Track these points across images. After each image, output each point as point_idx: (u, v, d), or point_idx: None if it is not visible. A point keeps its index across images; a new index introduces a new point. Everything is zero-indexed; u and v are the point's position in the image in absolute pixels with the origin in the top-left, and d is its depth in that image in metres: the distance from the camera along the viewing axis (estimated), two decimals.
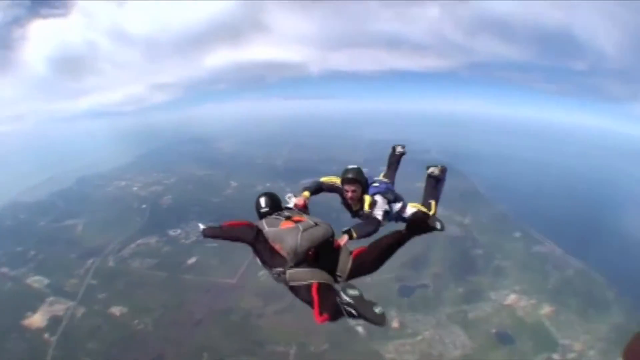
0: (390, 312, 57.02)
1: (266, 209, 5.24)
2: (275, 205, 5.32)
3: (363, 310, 3.86)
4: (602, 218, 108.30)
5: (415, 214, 5.84)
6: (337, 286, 4.53)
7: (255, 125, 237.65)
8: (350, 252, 4.95)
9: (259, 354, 50.03)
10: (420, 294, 62.32)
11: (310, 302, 4.33)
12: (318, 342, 51.42)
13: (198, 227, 5.50)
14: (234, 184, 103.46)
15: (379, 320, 3.90)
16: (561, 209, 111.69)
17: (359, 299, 3.91)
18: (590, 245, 79.87)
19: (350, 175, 5.68)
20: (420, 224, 5.37)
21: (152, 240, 73.00)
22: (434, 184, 6.52)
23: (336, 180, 6.01)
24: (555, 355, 54.77)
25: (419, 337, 54.05)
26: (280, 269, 4.53)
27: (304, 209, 5.61)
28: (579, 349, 56.46)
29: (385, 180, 6.38)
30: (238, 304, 57.11)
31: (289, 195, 5.83)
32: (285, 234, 4.58)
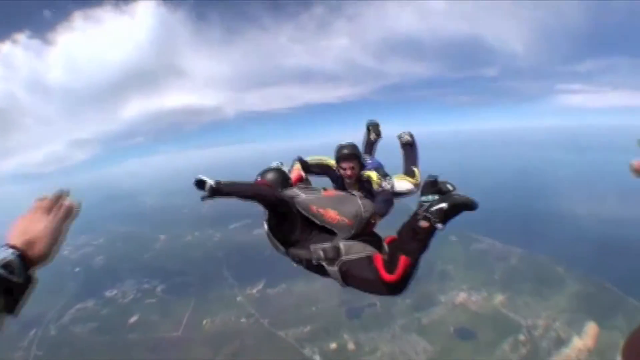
0: (343, 336, 56.56)
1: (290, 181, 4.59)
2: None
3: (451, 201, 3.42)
4: (534, 205, 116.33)
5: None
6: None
7: (177, 176, 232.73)
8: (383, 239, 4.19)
9: None
10: (370, 313, 61.45)
11: (370, 275, 3.71)
12: None
13: (204, 182, 3.92)
14: (162, 237, 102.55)
15: (468, 200, 3.52)
16: (492, 206, 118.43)
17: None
18: (529, 232, 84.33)
19: (346, 151, 5.20)
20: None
21: (90, 303, 70.02)
22: (410, 150, 6.35)
23: (323, 159, 5.56)
24: (521, 336, 55.58)
25: (378, 353, 53.28)
26: (327, 244, 3.83)
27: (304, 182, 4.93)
28: (543, 324, 57.52)
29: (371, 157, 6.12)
30: (187, 356, 55.43)
31: (276, 163, 4.91)
32: (342, 199, 4.06)
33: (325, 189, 4.52)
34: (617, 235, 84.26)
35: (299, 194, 4.10)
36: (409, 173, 5.93)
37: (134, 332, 61.76)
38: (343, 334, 56.85)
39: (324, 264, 3.85)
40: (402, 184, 5.64)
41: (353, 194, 4.25)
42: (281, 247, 4.21)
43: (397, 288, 3.81)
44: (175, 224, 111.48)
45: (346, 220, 3.87)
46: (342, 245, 3.79)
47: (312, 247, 3.86)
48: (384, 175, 5.53)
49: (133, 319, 64.87)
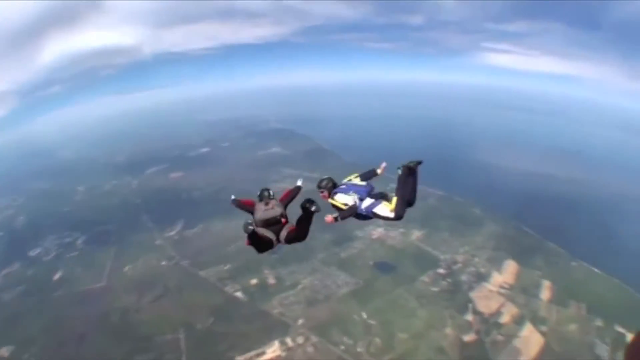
0: (264, 271, 57.13)
1: (265, 196, 7.89)
2: (269, 195, 7.95)
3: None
4: (456, 154, 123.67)
5: (301, 203, 7.30)
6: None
7: (96, 126, 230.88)
8: (288, 228, 7.80)
9: (151, 348, 47.83)
10: (289, 248, 62.37)
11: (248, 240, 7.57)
12: (203, 319, 50.60)
13: (230, 198, 8.46)
14: (80, 189, 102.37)
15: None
16: (412, 152, 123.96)
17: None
18: (449, 177, 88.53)
19: (318, 185, 8.16)
20: (304, 208, 7.23)
21: (16, 266, 67.28)
22: (400, 183, 7.51)
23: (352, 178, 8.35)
24: (440, 270, 58.88)
25: (300, 286, 54.36)
26: (249, 224, 7.08)
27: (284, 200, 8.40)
28: (462, 260, 61.16)
29: (362, 184, 8.01)
30: (113, 305, 54.42)
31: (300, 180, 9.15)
32: (257, 210, 7.79)
33: (267, 204, 7.83)
34: (535, 188, 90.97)
35: (255, 206, 7.93)
36: (388, 199, 7.58)
37: (59, 290, 59.87)
38: (263, 269, 57.46)
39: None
40: (383, 210, 7.48)
41: (269, 206, 7.78)
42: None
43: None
44: (94, 175, 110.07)
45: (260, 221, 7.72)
46: (257, 228, 7.56)
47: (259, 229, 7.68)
48: (360, 197, 7.56)
49: (57, 276, 63.28)
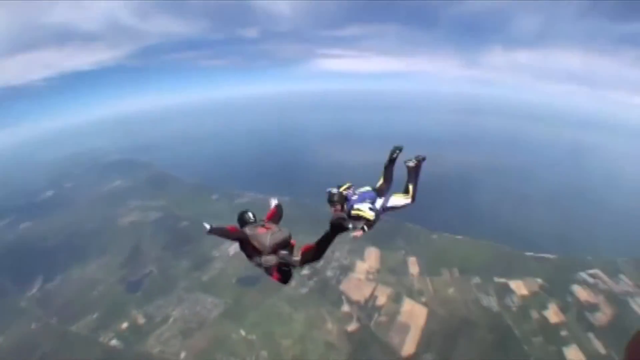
0: (131, 311, 56.61)
1: (251, 220, 7.44)
2: (254, 218, 7.51)
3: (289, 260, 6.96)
4: (294, 160, 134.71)
5: (332, 220, 6.80)
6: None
7: None
8: (300, 249, 7.16)
9: None
10: (150, 282, 63.17)
11: (271, 273, 6.98)
12: None
13: (204, 226, 6.48)
14: None
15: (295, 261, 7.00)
16: (255, 163, 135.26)
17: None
18: (292, 182, 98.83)
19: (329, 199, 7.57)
20: (337, 226, 6.64)
21: None
22: (412, 173, 7.76)
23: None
24: (304, 272, 61.04)
25: (171, 320, 54.62)
26: (258, 259, 6.84)
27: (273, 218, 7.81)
28: (323, 257, 62.36)
29: (367, 188, 7.86)
30: None
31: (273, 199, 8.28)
32: (261, 236, 6.89)
33: (262, 226, 7.16)
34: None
35: (248, 231, 6.96)
36: (405, 191, 7.80)
37: None
38: (130, 310, 56.95)
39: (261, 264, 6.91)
40: (397, 200, 7.75)
41: (268, 232, 7.00)
42: (248, 258, 7.06)
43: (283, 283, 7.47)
44: None
45: (261, 248, 6.83)
46: (263, 258, 6.84)
47: (254, 259, 6.91)
48: (372, 200, 7.60)
49: None
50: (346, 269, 63.33)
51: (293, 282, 57.70)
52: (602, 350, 49.43)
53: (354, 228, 6.80)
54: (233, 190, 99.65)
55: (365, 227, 7.03)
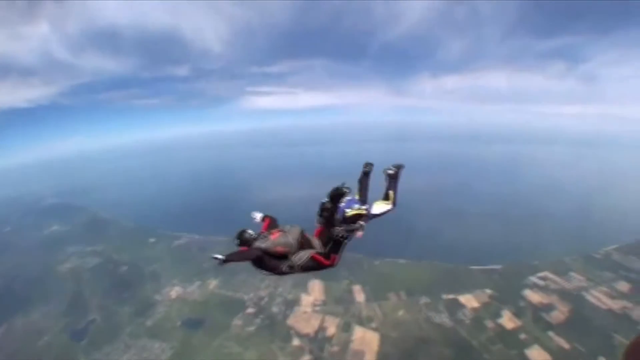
0: None
1: (253, 236, 7.13)
2: (255, 234, 7.26)
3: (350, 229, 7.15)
4: (231, 197, 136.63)
5: (339, 234, 7.30)
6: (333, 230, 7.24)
7: None
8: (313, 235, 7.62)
9: None
10: (94, 329, 62.24)
11: (316, 264, 7.06)
12: None
13: (216, 258, 6.22)
14: None
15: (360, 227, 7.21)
16: (188, 204, 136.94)
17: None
18: (228, 220, 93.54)
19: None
20: (346, 238, 7.30)
21: None
22: (391, 180, 8.17)
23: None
24: (249, 310, 62.23)
25: None
26: (288, 262, 6.85)
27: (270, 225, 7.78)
28: (266, 294, 65.61)
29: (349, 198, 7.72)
30: None
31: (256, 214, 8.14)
32: (279, 239, 6.92)
33: (272, 233, 7.07)
34: (314, 210, 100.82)
35: (260, 245, 6.79)
36: (386, 197, 8.08)
37: None
38: (79, 359, 55.21)
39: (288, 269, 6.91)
40: (379, 207, 7.92)
41: (285, 232, 7.10)
42: (271, 272, 6.93)
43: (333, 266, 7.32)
44: None
45: (286, 249, 6.88)
46: (293, 258, 6.91)
47: (281, 267, 6.86)
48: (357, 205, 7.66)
49: None
50: (291, 304, 63.38)
51: (239, 321, 56.72)
52: (565, 346, 51.06)
53: (356, 230, 7.33)
54: (170, 232, 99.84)
55: (363, 223, 7.41)
